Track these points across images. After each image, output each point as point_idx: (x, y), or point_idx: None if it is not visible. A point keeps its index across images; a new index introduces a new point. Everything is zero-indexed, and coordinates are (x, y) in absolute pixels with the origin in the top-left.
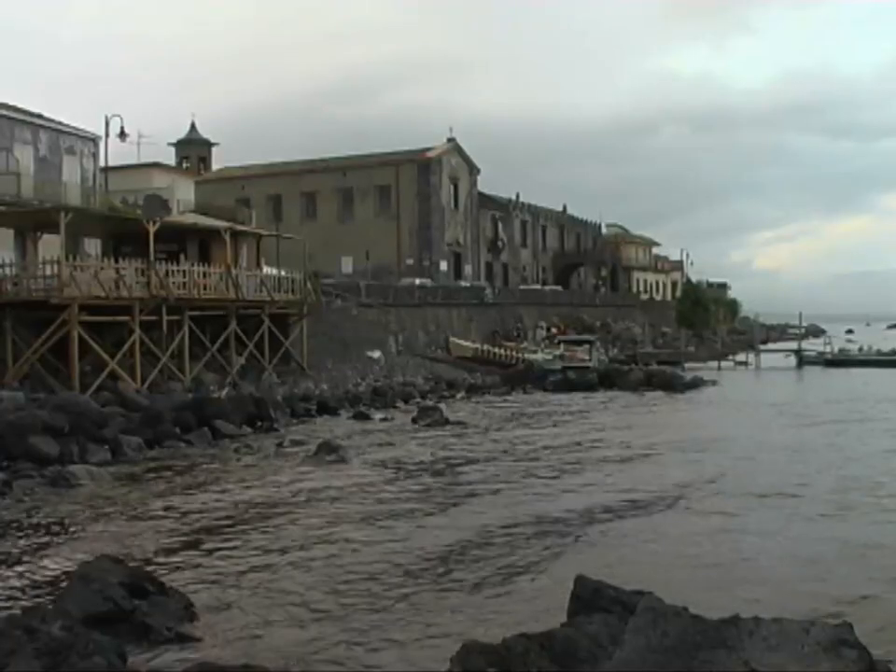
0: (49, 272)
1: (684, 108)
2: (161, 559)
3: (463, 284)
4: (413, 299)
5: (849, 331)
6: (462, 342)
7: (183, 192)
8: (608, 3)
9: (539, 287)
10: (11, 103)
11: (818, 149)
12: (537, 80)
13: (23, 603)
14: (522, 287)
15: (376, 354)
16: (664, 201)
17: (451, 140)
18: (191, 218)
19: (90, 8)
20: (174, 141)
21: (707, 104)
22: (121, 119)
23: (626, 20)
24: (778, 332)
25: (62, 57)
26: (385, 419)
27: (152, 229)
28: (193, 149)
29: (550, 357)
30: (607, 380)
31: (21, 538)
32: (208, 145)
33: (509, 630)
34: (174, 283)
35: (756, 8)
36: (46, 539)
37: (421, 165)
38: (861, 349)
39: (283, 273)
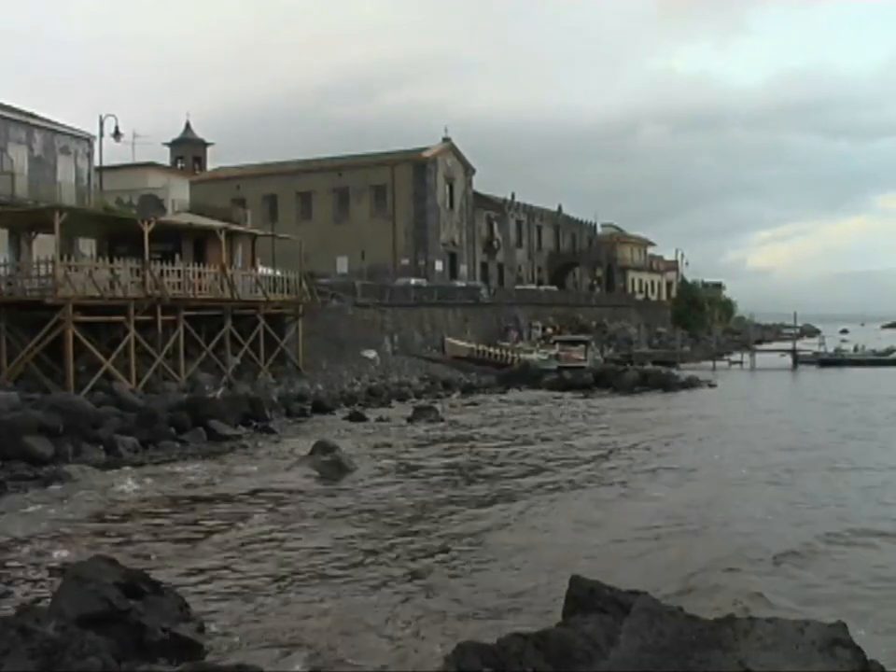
0: (43, 272)
1: (680, 108)
2: (156, 559)
3: (458, 284)
4: (409, 299)
5: (844, 331)
6: (458, 341)
7: (178, 192)
8: (604, 2)
9: (534, 287)
10: (5, 102)
11: (815, 149)
12: (533, 80)
13: (18, 603)
14: (517, 287)
15: (371, 354)
16: (659, 200)
17: (446, 140)
18: (186, 218)
19: (85, 8)
20: (169, 141)
21: (704, 103)
22: (116, 118)
23: (624, 19)
24: (773, 332)
25: (56, 56)
26: (380, 419)
27: (147, 229)
28: (188, 149)
29: (545, 356)
30: (602, 380)
31: (15, 538)
32: (203, 144)
33: (504, 630)
34: (169, 283)
35: (754, 8)
36: (40, 539)
37: (417, 165)
38: (855, 349)
39: (278, 273)
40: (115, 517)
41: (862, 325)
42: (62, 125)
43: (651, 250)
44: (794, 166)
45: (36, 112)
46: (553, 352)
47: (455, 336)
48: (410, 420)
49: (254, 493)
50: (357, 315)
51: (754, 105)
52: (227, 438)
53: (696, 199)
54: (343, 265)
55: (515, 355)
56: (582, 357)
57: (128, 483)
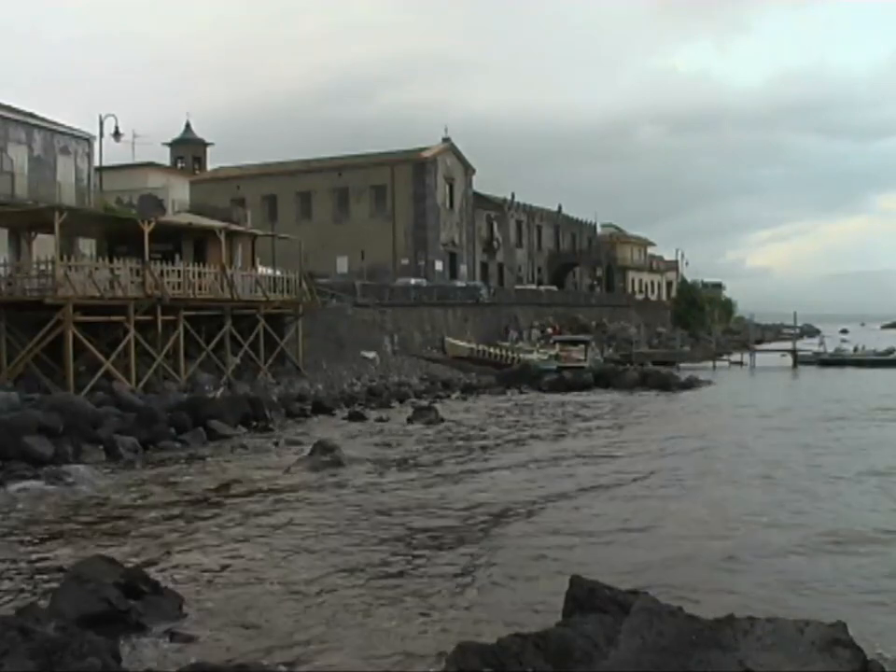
0: (43, 271)
1: (679, 108)
2: (155, 559)
3: (458, 284)
4: (409, 299)
5: (844, 331)
6: (458, 341)
7: (178, 192)
8: (604, 2)
9: (534, 287)
10: (5, 102)
11: (814, 149)
12: (533, 79)
13: (18, 603)
14: (517, 287)
15: (371, 354)
16: (659, 200)
17: (446, 140)
18: (186, 218)
19: (84, 8)
20: (169, 141)
21: (703, 103)
22: (116, 118)
23: (623, 19)
24: (773, 332)
25: (56, 56)
26: (380, 419)
27: (147, 229)
28: (188, 149)
29: (545, 357)
30: (602, 380)
31: (14, 538)
32: (203, 144)
33: (504, 630)
34: (169, 283)
35: (753, 8)
36: (40, 539)
37: (416, 165)
38: (855, 349)
39: (278, 273)
40: (115, 517)
41: (862, 325)
42: (61, 125)
43: (650, 250)
44: (793, 166)
45: (36, 112)
46: (552, 352)
47: (455, 336)
48: (410, 420)
49: (254, 493)
50: (356, 315)
51: (753, 104)
52: (227, 438)
53: (696, 199)
54: (342, 265)
55: (515, 355)
56: (582, 357)
57: (127, 483)
